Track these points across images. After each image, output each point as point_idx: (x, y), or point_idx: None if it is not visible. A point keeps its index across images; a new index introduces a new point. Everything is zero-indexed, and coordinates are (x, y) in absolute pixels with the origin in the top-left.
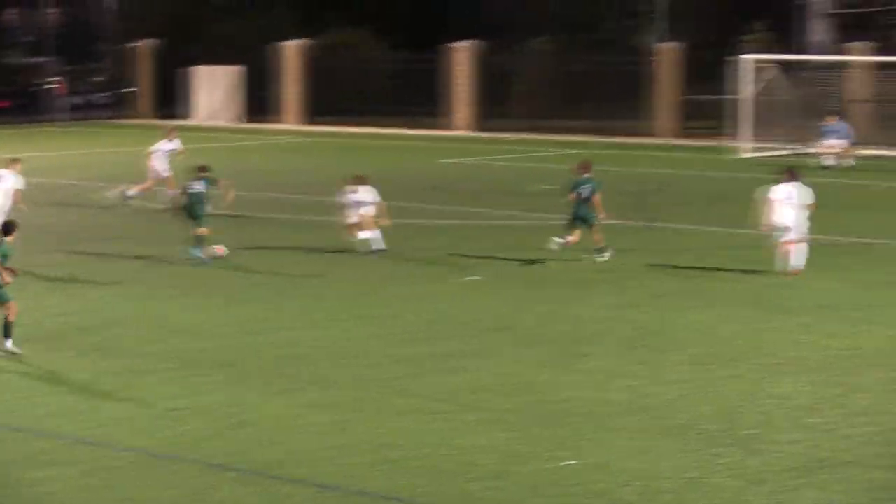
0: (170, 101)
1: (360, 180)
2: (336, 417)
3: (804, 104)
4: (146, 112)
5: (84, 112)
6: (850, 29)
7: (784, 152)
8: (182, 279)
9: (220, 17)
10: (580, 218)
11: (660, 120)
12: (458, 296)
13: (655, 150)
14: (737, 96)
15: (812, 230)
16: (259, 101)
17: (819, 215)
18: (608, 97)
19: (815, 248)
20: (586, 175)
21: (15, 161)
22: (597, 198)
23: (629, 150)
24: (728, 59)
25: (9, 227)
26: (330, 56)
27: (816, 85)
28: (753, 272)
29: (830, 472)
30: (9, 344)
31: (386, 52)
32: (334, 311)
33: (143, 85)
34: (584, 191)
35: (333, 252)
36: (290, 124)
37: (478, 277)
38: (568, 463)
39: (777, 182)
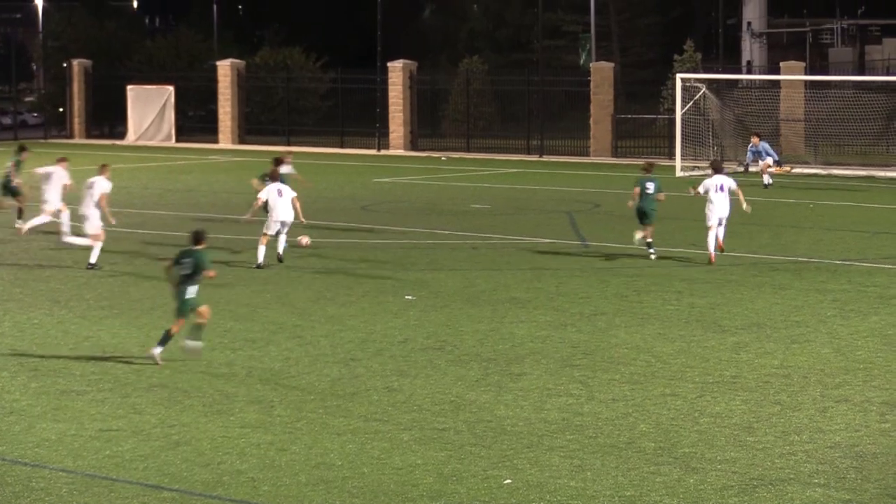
0: (101, 120)
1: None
2: (273, 437)
3: (736, 123)
4: (78, 132)
5: (13, 132)
6: (783, 48)
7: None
8: (115, 300)
9: (153, 37)
10: (642, 212)
11: (594, 139)
12: (393, 315)
13: (590, 169)
14: (668, 116)
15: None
16: (192, 121)
17: (753, 233)
18: (542, 116)
19: (750, 266)
20: (648, 174)
21: (104, 167)
22: (661, 195)
23: (564, 170)
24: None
25: (199, 236)
26: (263, 75)
27: (748, 104)
28: (688, 291)
29: (768, 489)
30: (156, 351)
31: (318, 72)
32: (270, 331)
33: (74, 105)
34: (650, 188)
35: (268, 271)
36: (223, 144)
37: (413, 297)
38: (505, 482)
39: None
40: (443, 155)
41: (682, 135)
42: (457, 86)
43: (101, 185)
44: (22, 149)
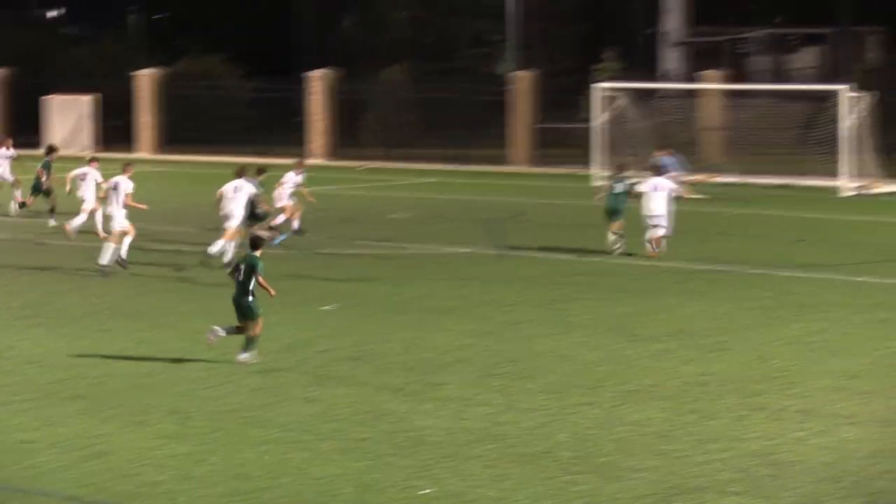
0: (21, 130)
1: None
2: (192, 448)
3: (656, 132)
4: None
5: None
6: (701, 57)
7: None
8: (34, 308)
9: (73, 46)
10: (611, 210)
11: (515, 148)
12: (315, 324)
13: (511, 178)
14: (589, 124)
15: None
16: (113, 130)
17: (675, 241)
18: (463, 125)
19: (673, 275)
20: (622, 174)
21: (128, 165)
22: (632, 194)
23: (485, 179)
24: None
25: (258, 242)
26: (184, 84)
27: (668, 113)
28: (612, 299)
29: (685, 498)
30: (244, 356)
31: (240, 81)
32: (190, 342)
33: None
34: (618, 187)
35: (188, 284)
36: (144, 153)
37: (333, 306)
38: (424, 492)
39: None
40: (360, 164)
41: (600, 144)
42: (378, 95)
43: (125, 184)
44: (51, 149)
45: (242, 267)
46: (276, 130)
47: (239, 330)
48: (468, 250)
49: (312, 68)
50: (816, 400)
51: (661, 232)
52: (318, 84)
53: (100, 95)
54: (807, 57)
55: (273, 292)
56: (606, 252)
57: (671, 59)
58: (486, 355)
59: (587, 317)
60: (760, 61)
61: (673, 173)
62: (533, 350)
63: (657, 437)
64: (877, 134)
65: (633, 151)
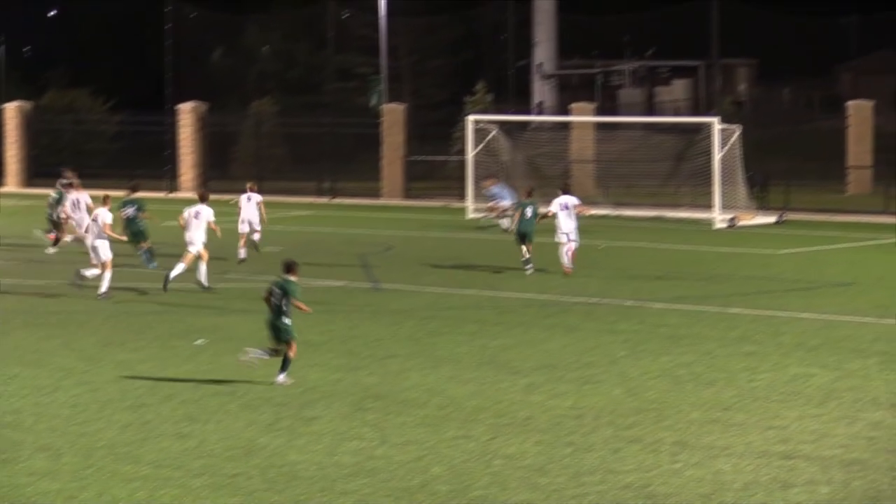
0: None
1: None
2: (62, 485)
3: (527, 164)
4: None
5: None
6: (573, 89)
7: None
8: None
9: None
10: (522, 234)
11: (387, 181)
12: (184, 360)
13: (383, 211)
14: (460, 157)
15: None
16: None
17: (544, 274)
18: (333, 158)
19: (541, 308)
20: (530, 199)
21: (106, 198)
22: (539, 217)
23: (356, 212)
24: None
25: (291, 267)
26: (50, 118)
27: (539, 145)
28: (480, 332)
29: None
30: (281, 378)
31: (106, 114)
32: (58, 377)
33: None
34: (528, 211)
35: (57, 316)
36: (11, 187)
37: (202, 341)
38: None
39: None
40: (231, 198)
41: (474, 176)
42: (247, 127)
43: (104, 215)
44: (69, 184)
45: (277, 290)
46: (145, 163)
47: (274, 353)
48: (339, 284)
49: (181, 101)
50: (690, 432)
51: (574, 246)
52: (187, 117)
53: None
54: (678, 89)
55: (308, 310)
56: (477, 286)
57: (543, 91)
58: (356, 390)
59: (457, 351)
60: (632, 93)
61: (503, 202)
62: (403, 384)
63: (533, 470)
64: (747, 166)
65: (508, 184)
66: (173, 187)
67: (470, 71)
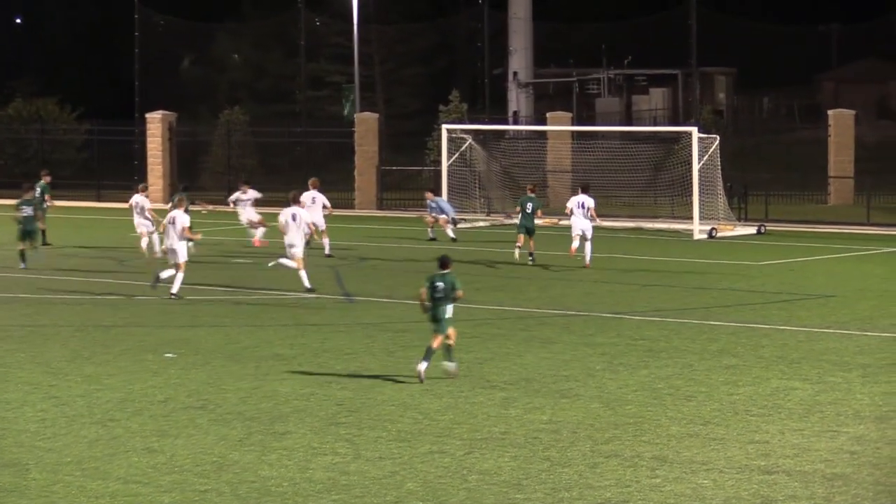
0: None
1: None
2: (30, 502)
3: (503, 175)
4: None
5: None
6: (549, 98)
7: (482, 223)
8: None
9: None
10: (524, 227)
11: (360, 191)
12: (153, 373)
13: (356, 222)
14: (434, 167)
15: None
16: None
17: (521, 286)
18: (305, 168)
19: (517, 320)
20: (531, 194)
21: (181, 201)
22: (539, 212)
23: (329, 222)
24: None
25: (446, 261)
26: (16, 127)
27: (515, 155)
28: (457, 346)
29: None
30: (452, 365)
31: (73, 123)
32: (25, 392)
33: None
34: (528, 207)
35: (21, 329)
36: None
37: (173, 354)
38: None
39: None
40: (202, 208)
41: (449, 187)
42: (217, 137)
43: (182, 218)
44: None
45: (442, 285)
46: (113, 173)
47: (429, 352)
48: (311, 296)
49: (150, 110)
50: (670, 446)
51: (589, 246)
52: (156, 126)
53: None
54: (656, 98)
55: (462, 294)
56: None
57: (519, 100)
58: (328, 404)
59: (431, 364)
60: (609, 102)
61: (442, 216)
62: (376, 398)
63: (509, 486)
64: (727, 176)
65: (483, 194)
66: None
67: (444, 80)
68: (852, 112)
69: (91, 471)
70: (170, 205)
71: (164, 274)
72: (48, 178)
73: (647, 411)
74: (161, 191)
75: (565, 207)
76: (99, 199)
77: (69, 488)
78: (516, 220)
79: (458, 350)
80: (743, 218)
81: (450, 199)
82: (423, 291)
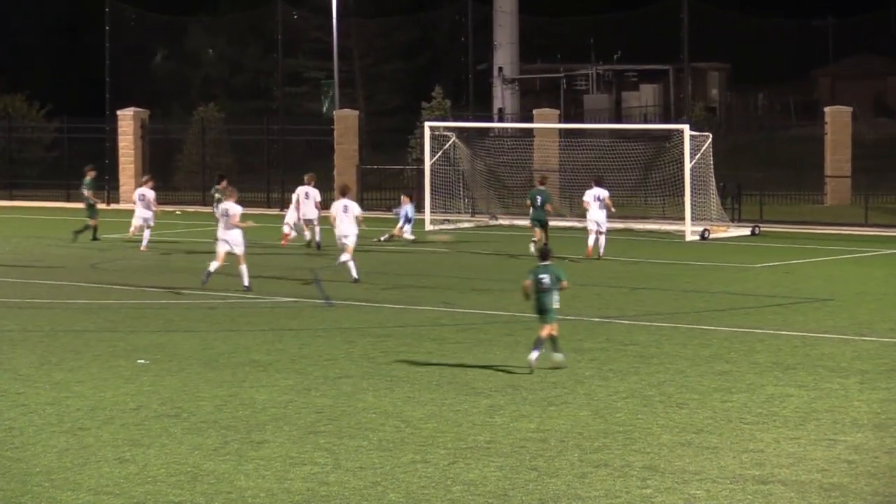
0: None
1: None
2: None
3: (488, 174)
4: None
5: None
6: (535, 95)
7: (466, 224)
8: None
9: None
10: (536, 220)
11: (338, 191)
12: (125, 380)
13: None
14: (417, 166)
15: None
16: None
17: (506, 290)
18: (282, 167)
19: (503, 325)
20: (541, 187)
21: (232, 191)
22: (548, 205)
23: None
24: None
25: (547, 252)
26: None
27: (501, 153)
28: (439, 351)
29: None
30: (559, 356)
31: (42, 121)
32: None
33: None
34: (538, 200)
35: None
36: None
37: (146, 361)
38: None
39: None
40: (177, 209)
41: (432, 186)
42: (191, 135)
43: (234, 208)
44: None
45: (548, 276)
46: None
47: (539, 342)
48: (289, 300)
49: (122, 107)
50: (661, 455)
51: (604, 238)
52: (127, 123)
53: None
54: (646, 94)
55: (568, 284)
56: (435, 302)
57: (504, 96)
58: (307, 412)
59: (414, 370)
60: (598, 99)
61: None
62: (357, 406)
63: (495, 496)
64: (720, 175)
65: (467, 194)
66: (113, 198)
67: (427, 75)
68: (849, 109)
69: (61, 481)
70: (216, 195)
71: (213, 267)
72: (93, 174)
73: (638, 419)
74: (132, 191)
75: (582, 202)
76: (69, 200)
77: (38, 499)
78: (502, 222)
79: (442, 354)
80: (736, 219)
81: (433, 199)
82: (528, 283)
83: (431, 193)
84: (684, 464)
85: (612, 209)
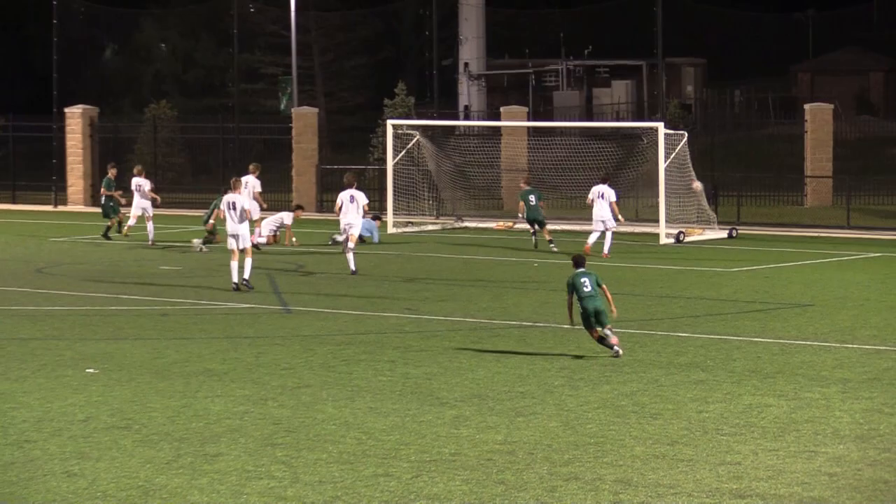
0: None
1: None
2: None
3: (455, 173)
4: None
5: None
6: (503, 91)
7: (431, 226)
8: None
9: None
10: (534, 220)
11: (296, 192)
12: (73, 390)
13: (292, 226)
14: (379, 166)
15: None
16: None
17: (472, 295)
18: (238, 167)
19: (469, 332)
20: (528, 187)
21: (237, 182)
22: (542, 203)
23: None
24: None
25: (581, 260)
26: None
27: (468, 152)
28: (402, 360)
29: None
30: (619, 347)
31: None
32: None
33: None
34: (531, 199)
35: None
36: None
37: (95, 370)
38: None
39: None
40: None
41: (395, 187)
42: (143, 134)
43: (242, 201)
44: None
45: (587, 282)
46: (28, 174)
47: (601, 340)
48: (245, 306)
49: (69, 104)
50: (634, 468)
51: (610, 235)
52: (76, 122)
53: None
54: (619, 91)
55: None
56: (398, 309)
57: (470, 93)
58: (263, 424)
59: (376, 380)
60: (568, 95)
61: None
62: (316, 417)
63: None
64: (696, 175)
65: (433, 195)
66: (61, 200)
67: (389, 71)
68: (830, 106)
69: (6, 496)
70: (224, 189)
71: (248, 272)
72: (114, 172)
73: (610, 430)
74: (82, 192)
75: (586, 198)
76: (14, 201)
77: None
78: (469, 224)
79: (405, 363)
80: (713, 221)
81: (395, 201)
82: (570, 300)
83: (394, 194)
84: (658, 477)
85: (620, 218)
